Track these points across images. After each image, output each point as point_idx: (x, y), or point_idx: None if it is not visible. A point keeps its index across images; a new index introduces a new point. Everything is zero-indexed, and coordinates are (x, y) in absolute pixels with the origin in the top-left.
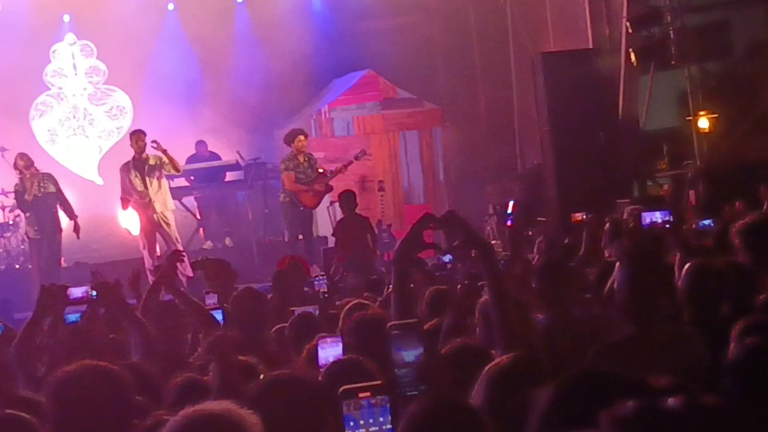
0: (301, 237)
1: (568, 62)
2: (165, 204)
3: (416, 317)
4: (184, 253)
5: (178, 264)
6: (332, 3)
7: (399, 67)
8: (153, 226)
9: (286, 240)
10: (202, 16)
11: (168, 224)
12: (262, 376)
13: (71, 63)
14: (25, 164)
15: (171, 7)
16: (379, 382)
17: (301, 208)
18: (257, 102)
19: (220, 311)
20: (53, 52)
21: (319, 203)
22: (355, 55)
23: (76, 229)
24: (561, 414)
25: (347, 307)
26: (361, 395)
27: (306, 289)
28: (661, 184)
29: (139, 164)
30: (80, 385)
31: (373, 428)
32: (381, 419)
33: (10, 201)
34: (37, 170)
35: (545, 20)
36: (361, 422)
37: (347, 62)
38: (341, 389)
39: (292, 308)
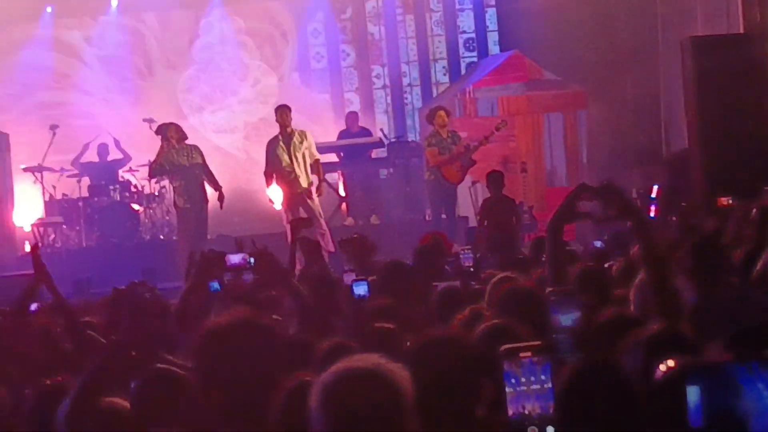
0: (444, 216)
1: (717, 47)
2: (309, 179)
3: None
4: (324, 228)
5: (320, 239)
6: None
7: (545, 49)
8: (297, 201)
9: (428, 218)
10: None
11: (312, 199)
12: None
13: (219, 37)
14: (178, 137)
15: None
16: (539, 342)
17: (446, 185)
18: (404, 80)
19: (364, 283)
20: (202, 25)
21: (462, 178)
22: (501, 35)
23: (221, 198)
24: None
25: (494, 279)
26: (522, 354)
27: (447, 267)
28: None
29: (285, 139)
30: (231, 336)
31: (535, 386)
32: (542, 377)
33: None
34: (187, 143)
35: (695, 3)
36: (522, 380)
37: (493, 42)
38: (502, 348)
39: (435, 283)
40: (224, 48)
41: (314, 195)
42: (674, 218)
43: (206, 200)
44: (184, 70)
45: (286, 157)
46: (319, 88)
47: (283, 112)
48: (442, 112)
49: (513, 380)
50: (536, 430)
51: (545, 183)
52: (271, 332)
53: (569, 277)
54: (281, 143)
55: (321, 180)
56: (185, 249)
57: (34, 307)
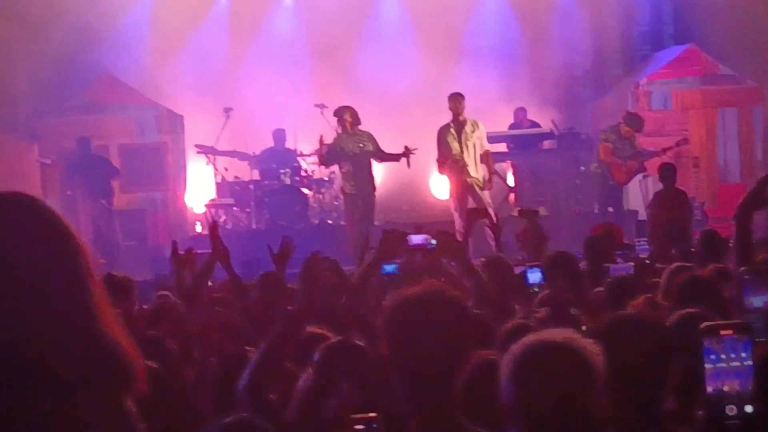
0: (611, 209)
1: None
2: (478, 169)
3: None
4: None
5: (487, 229)
6: None
7: (722, 43)
8: (465, 190)
9: (596, 211)
10: None
11: (481, 188)
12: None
13: (392, 21)
14: (353, 121)
15: None
16: (740, 321)
17: (611, 182)
18: (575, 72)
19: (538, 270)
20: (374, 10)
21: (629, 180)
22: (678, 28)
23: (408, 156)
24: None
25: (669, 268)
26: (722, 332)
27: (619, 259)
28: None
29: (457, 127)
30: (423, 306)
31: (735, 363)
32: (743, 355)
33: None
34: (360, 129)
35: None
36: (723, 356)
37: (669, 35)
38: (703, 324)
39: (607, 264)
40: (396, 32)
41: (485, 186)
42: None
43: (374, 187)
44: (358, 54)
45: (456, 145)
46: (490, 77)
47: (456, 99)
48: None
49: (713, 357)
50: (734, 409)
51: (718, 179)
52: (461, 306)
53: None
54: (452, 131)
55: (491, 172)
56: (352, 234)
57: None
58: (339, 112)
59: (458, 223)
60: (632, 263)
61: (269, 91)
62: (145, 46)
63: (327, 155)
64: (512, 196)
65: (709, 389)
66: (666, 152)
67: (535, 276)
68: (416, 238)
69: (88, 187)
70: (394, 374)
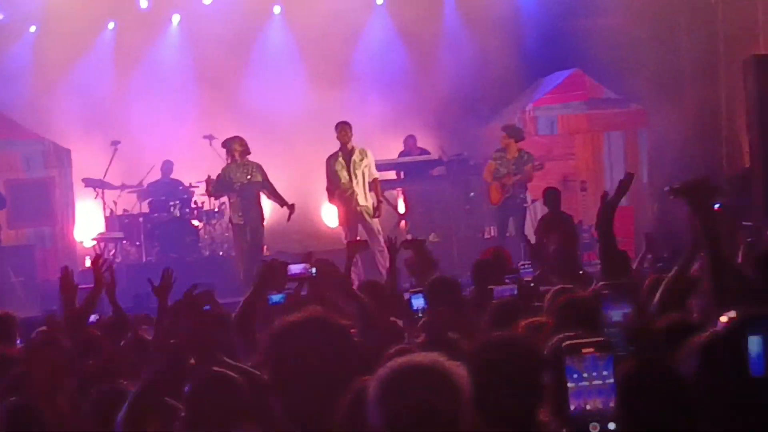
0: (508, 234)
1: None
2: (367, 197)
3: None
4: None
5: (378, 255)
6: (540, 2)
7: (605, 67)
8: (355, 219)
9: (487, 236)
10: (411, 10)
11: (371, 216)
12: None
13: (278, 49)
14: (242, 151)
15: (380, 1)
16: (601, 338)
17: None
18: (463, 98)
19: (421, 296)
20: (261, 38)
21: (500, 200)
22: (562, 53)
23: (291, 212)
24: None
25: (553, 290)
26: (584, 350)
27: (507, 281)
28: None
29: (345, 156)
30: (305, 333)
31: (597, 381)
32: (604, 373)
33: None
34: (249, 159)
35: (757, 21)
36: (585, 375)
37: (554, 60)
38: (565, 344)
39: (491, 287)
40: (283, 59)
41: (374, 214)
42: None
43: (263, 217)
44: (245, 83)
45: (345, 174)
46: (379, 105)
47: (343, 128)
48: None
49: (575, 375)
50: (598, 426)
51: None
52: (343, 332)
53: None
54: (341, 159)
55: (380, 200)
56: (241, 265)
57: (93, 318)
58: (227, 143)
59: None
60: (516, 286)
61: (156, 122)
62: (30, 79)
63: (215, 186)
64: (403, 223)
65: (572, 407)
66: (541, 167)
67: (418, 301)
68: (295, 268)
69: None
70: (276, 401)
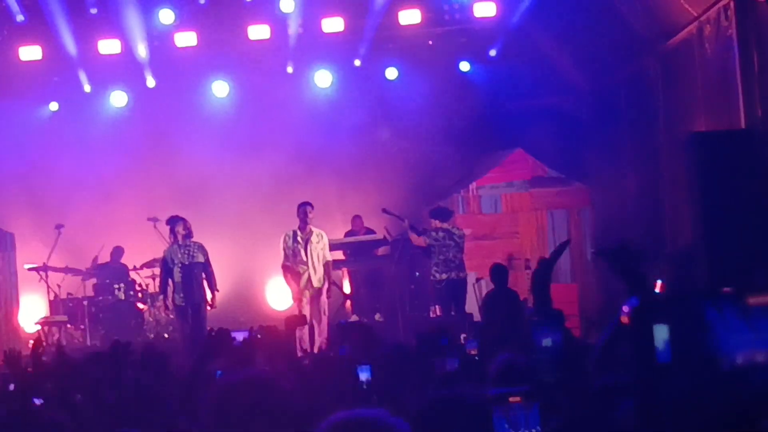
0: (453, 313)
1: (719, 142)
2: (321, 279)
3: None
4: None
5: (317, 333)
6: (481, 83)
7: (548, 147)
8: (306, 297)
9: (432, 315)
10: (355, 92)
11: (321, 298)
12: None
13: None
14: (185, 233)
15: (325, 85)
16: (526, 388)
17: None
18: (409, 177)
19: (368, 367)
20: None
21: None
22: (504, 133)
23: (212, 301)
24: None
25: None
26: (511, 399)
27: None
28: None
29: (304, 236)
30: (244, 391)
31: (524, 431)
32: (531, 421)
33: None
34: (191, 241)
35: (696, 99)
36: (512, 424)
37: (496, 140)
38: (492, 395)
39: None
40: (229, 138)
41: (323, 295)
42: None
43: (205, 299)
44: (188, 161)
45: (302, 254)
46: (326, 186)
47: (305, 209)
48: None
49: (504, 425)
50: None
51: (550, 280)
52: (280, 389)
53: None
54: (300, 239)
55: (330, 282)
56: (185, 346)
57: (39, 402)
58: (171, 222)
59: (298, 331)
60: (458, 358)
61: (100, 205)
62: None
63: (162, 277)
64: (348, 303)
65: None
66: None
67: (364, 373)
68: (239, 335)
69: None
70: None
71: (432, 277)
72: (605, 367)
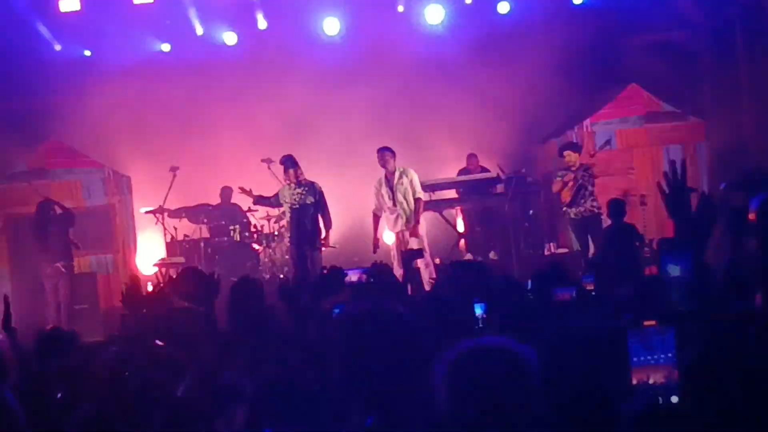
0: (577, 249)
1: None
2: (410, 218)
3: None
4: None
5: (422, 269)
6: (594, 18)
7: (662, 82)
8: (402, 239)
9: (546, 253)
10: (467, 31)
11: (415, 236)
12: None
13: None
14: (296, 171)
15: (437, 23)
16: (663, 311)
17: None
18: (520, 115)
19: (482, 304)
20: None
21: (570, 196)
22: (618, 68)
23: (326, 239)
24: None
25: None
26: (646, 323)
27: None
28: None
29: (388, 180)
30: (364, 323)
31: (659, 354)
32: (667, 346)
33: (275, 211)
34: (305, 180)
35: None
36: (647, 348)
37: (610, 76)
38: (626, 319)
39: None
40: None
41: (423, 230)
42: None
43: (318, 239)
44: (303, 103)
45: (389, 199)
46: (438, 123)
47: (383, 155)
48: (568, 151)
49: (640, 349)
50: (660, 399)
51: (666, 216)
52: (404, 320)
53: None
54: (384, 184)
55: (417, 220)
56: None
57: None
58: (285, 162)
59: (397, 271)
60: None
61: (215, 147)
62: (88, 107)
63: (257, 199)
64: (462, 241)
65: (635, 381)
66: (593, 157)
67: (480, 309)
68: (353, 274)
69: (45, 252)
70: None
71: (565, 214)
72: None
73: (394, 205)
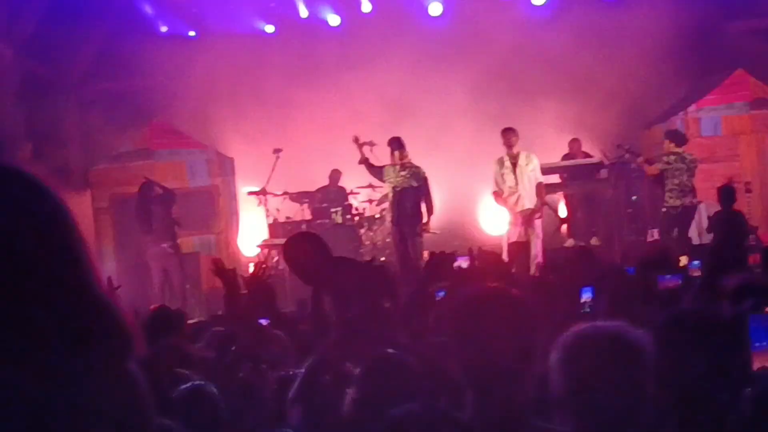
0: (675, 234)
1: None
2: (532, 200)
3: None
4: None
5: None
6: (700, 2)
7: None
8: (521, 222)
9: (650, 239)
10: (574, 18)
11: (533, 220)
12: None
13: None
14: (401, 153)
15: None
16: None
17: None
18: (624, 100)
19: (590, 289)
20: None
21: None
22: (724, 54)
23: (426, 224)
24: None
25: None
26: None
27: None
28: None
29: (511, 160)
30: (486, 306)
31: None
32: None
33: (377, 195)
34: (410, 163)
35: None
36: None
37: (716, 61)
38: (747, 303)
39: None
40: (446, 63)
41: (536, 217)
42: None
43: (420, 223)
44: (405, 87)
45: (511, 178)
46: (543, 108)
47: (508, 134)
48: (667, 141)
49: (762, 333)
50: None
51: None
52: (523, 304)
53: None
54: (507, 164)
55: (542, 204)
56: (401, 271)
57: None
58: (392, 143)
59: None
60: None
61: (316, 129)
62: (192, 89)
63: (373, 168)
64: (564, 226)
65: (756, 366)
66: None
67: (587, 294)
68: (462, 260)
69: (149, 232)
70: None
71: (665, 203)
72: None
73: (515, 186)
